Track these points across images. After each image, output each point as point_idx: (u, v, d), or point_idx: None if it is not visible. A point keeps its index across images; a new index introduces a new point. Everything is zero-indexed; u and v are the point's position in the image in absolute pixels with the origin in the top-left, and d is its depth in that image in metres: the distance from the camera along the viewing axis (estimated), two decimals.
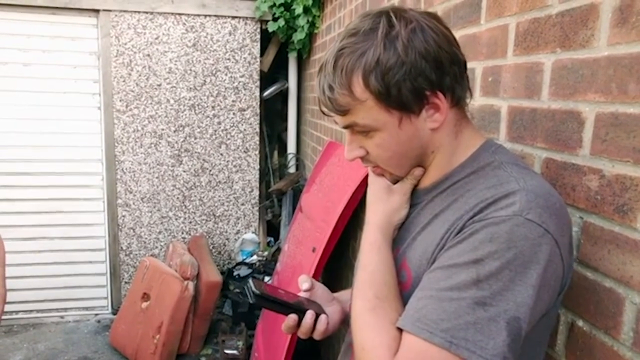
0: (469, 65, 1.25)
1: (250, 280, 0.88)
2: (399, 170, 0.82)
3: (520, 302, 0.62)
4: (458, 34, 1.29)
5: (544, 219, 0.65)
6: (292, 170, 3.96)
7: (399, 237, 0.83)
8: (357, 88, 0.72)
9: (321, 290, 0.96)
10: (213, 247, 3.83)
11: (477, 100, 1.21)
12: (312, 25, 3.30)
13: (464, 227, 0.68)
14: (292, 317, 0.86)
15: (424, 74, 0.70)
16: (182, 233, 3.79)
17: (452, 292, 0.64)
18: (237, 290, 3.34)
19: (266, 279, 3.26)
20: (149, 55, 3.51)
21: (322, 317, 0.89)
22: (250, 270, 3.48)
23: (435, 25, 0.73)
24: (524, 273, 0.63)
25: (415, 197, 0.84)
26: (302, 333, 0.88)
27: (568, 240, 0.70)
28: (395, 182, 0.84)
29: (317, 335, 0.89)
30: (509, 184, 0.69)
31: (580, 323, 0.85)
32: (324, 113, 0.79)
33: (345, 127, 0.78)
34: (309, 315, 0.87)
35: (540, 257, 0.64)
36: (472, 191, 0.72)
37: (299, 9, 3.27)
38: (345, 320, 0.95)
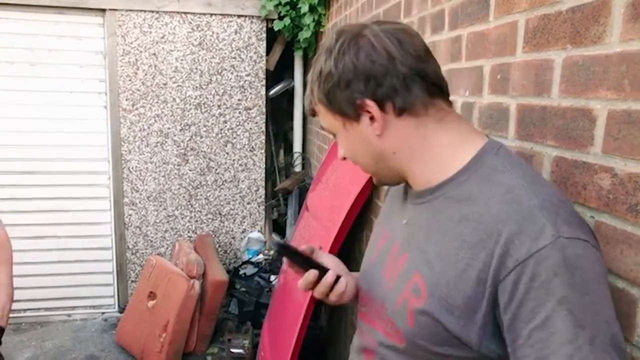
0: (477, 62, 1.24)
1: (274, 236, 0.89)
2: (373, 171, 0.86)
3: (609, 318, 0.63)
4: (466, 31, 1.27)
5: (574, 230, 0.65)
6: (298, 169, 3.95)
7: (393, 228, 0.87)
8: (314, 95, 0.83)
9: (337, 262, 0.97)
10: (219, 246, 3.84)
11: (485, 98, 1.19)
12: (318, 23, 3.29)
13: (505, 269, 0.65)
14: (313, 272, 0.87)
15: (351, 84, 0.76)
16: (188, 232, 3.79)
17: (569, 347, 0.61)
18: (243, 289, 3.34)
19: (272, 277, 3.26)
20: (154, 54, 3.51)
21: (342, 279, 0.89)
22: (256, 269, 3.48)
23: (385, 42, 0.75)
24: (597, 291, 0.63)
25: (414, 197, 0.83)
26: (319, 292, 0.88)
27: (594, 237, 0.70)
28: (380, 184, 0.91)
29: (333, 296, 0.89)
30: (521, 198, 0.68)
31: None
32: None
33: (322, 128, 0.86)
34: (331, 273, 0.87)
35: (596, 268, 0.65)
36: (482, 206, 0.70)
37: (304, 8, 3.26)
38: (357, 297, 0.96)
